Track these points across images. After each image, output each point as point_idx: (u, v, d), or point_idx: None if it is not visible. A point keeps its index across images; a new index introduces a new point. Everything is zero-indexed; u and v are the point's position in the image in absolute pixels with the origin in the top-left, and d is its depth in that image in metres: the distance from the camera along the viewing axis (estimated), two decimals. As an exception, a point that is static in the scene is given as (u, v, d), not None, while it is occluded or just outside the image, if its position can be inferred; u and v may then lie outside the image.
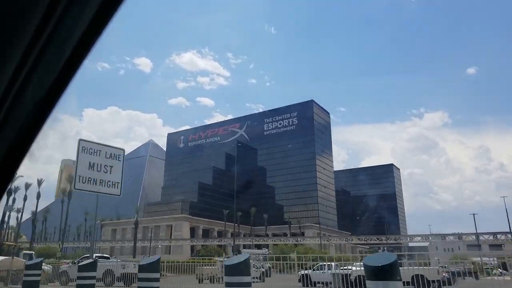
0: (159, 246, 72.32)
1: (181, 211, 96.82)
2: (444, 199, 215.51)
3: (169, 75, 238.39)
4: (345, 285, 14.10)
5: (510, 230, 57.67)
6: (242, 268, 7.19)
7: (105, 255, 23.14)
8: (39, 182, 70.36)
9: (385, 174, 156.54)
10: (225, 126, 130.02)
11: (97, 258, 20.09)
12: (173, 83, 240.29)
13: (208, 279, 22.30)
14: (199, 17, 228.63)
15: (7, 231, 74.40)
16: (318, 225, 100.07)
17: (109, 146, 7.20)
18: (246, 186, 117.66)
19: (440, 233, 78.08)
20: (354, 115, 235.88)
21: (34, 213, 71.64)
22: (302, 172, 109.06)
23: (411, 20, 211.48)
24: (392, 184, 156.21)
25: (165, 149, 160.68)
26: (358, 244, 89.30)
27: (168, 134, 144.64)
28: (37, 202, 70.27)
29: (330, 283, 15.51)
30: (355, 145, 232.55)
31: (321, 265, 18.72)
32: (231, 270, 7.20)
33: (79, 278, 10.62)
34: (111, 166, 7.39)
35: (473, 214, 57.26)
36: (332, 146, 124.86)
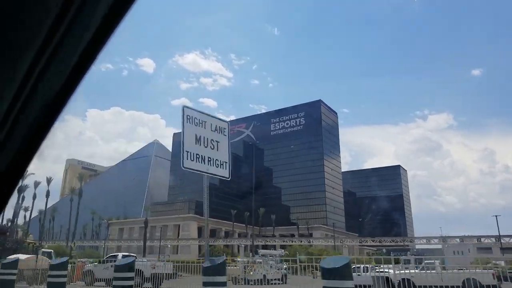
0: (168, 246, 71.69)
1: (188, 211, 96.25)
2: (448, 201, 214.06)
3: (172, 75, 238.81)
4: None
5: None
6: (219, 269, 7.90)
7: (131, 254, 22.45)
8: (48, 181, 70.14)
9: (392, 176, 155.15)
10: (231, 126, 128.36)
11: (134, 258, 19.40)
12: (176, 83, 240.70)
13: (230, 280, 21.62)
14: (202, 18, 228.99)
15: (15, 230, 74.01)
16: (326, 226, 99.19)
17: (213, 117, 6.09)
18: (252, 186, 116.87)
19: (446, 235, 76.29)
20: (357, 116, 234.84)
21: (44, 212, 71.35)
22: (309, 173, 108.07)
23: (415, 20, 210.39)
24: (399, 186, 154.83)
25: (169, 149, 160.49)
26: (365, 246, 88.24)
27: (174, 133, 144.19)
28: (47, 200, 70.12)
29: (369, 286, 14.70)
30: (358, 146, 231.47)
31: (356, 267, 17.94)
32: (209, 270, 7.83)
33: (116, 279, 9.91)
34: (218, 142, 6.31)
35: (496, 216, 55.74)
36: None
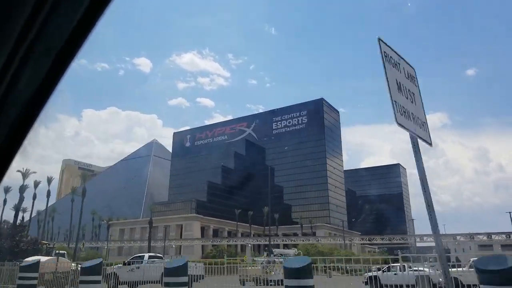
0: (173, 246, 70.53)
1: (191, 211, 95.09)
2: (443, 200, 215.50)
3: (169, 75, 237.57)
4: None
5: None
6: (180, 270, 8.20)
7: (158, 254, 21.37)
8: (49, 180, 68.69)
9: (391, 174, 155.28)
10: (233, 125, 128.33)
11: (187, 260, 18.33)
12: (173, 83, 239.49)
13: (252, 280, 20.77)
14: (199, 17, 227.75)
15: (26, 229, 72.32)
16: (329, 225, 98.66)
17: (401, 57, 4.35)
18: (254, 185, 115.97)
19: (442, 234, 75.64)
20: (353, 115, 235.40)
21: (45, 212, 69.72)
22: (312, 172, 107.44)
23: (410, 21, 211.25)
24: (399, 184, 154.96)
25: (167, 149, 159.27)
26: (367, 244, 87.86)
27: (174, 133, 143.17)
28: (47, 200, 68.56)
29: (407, 286, 13.85)
30: (354, 146, 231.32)
31: (390, 266, 17.08)
32: (171, 271, 8.04)
33: (167, 284, 8.92)
34: (413, 93, 4.71)
35: (510, 213, 55.35)
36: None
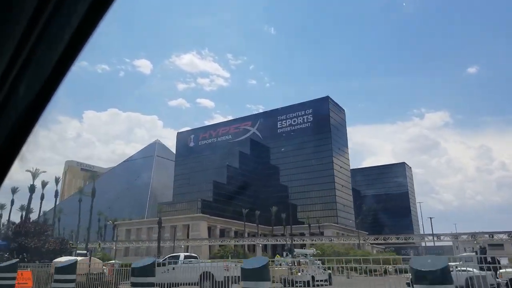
0: (182, 246, 69.70)
1: (197, 211, 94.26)
2: (445, 199, 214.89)
3: (169, 76, 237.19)
4: None
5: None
6: (148, 270, 8.28)
7: (193, 254, 20.49)
8: (57, 181, 67.98)
9: (397, 173, 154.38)
10: (237, 124, 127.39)
11: (195, 257, 17.48)
12: (173, 84, 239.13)
13: (280, 281, 19.98)
14: (198, 18, 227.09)
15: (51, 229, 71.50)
16: (337, 225, 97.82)
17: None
18: (259, 185, 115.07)
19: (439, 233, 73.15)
20: (354, 116, 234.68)
21: (54, 212, 68.89)
22: (318, 171, 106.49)
23: (411, 19, 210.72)
24: (405, 183, 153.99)
25: (170, 150, 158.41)
26: (374, 243, 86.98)
27: (177, 133, 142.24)
28: (55, 200, 67.81)
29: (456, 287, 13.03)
30: (356, 145, 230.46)
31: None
32: (139, 271, 8.18)
33: (134, 285, 8.14)
34: None
35: None
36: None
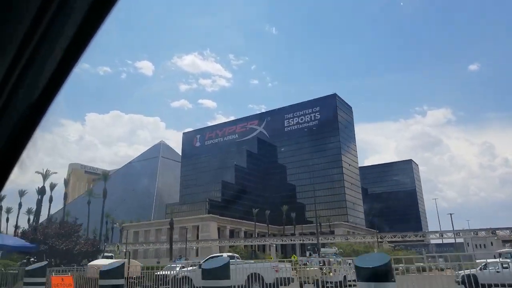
0: (194, 248, 68.59)
1: (206, 211, 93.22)
2: (449, 196, 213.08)
3: (171, 77, 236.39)
4: None
5: None
6: (222, 271, 8.00)
7: (234, 254, 19.37)
8: (66, 182, 67.03)
9: (403, 171, 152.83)
10: (243, 123, 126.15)
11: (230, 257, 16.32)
12: (175, 85, 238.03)
13: (313, 282, 18.80)
14: (200, 19, 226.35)
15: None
16: (347, 223, 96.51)
17: None
18: (266, 184, 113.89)
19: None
20: (356, 114, 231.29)
21: (63, 213, 67.96)
22: (327, 169, 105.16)
23: (412, 17, 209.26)
24: (412, 180, 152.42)
25: (175, 150, 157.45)
26: (382, 242, 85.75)
27: (183, 133, 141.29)
28: (64, 203, 66.83)
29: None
30: (358, 143, 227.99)
31: (487, 263, 15.06)
32: (211, 273, 8.03)
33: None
34: None
35: None
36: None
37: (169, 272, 14.94)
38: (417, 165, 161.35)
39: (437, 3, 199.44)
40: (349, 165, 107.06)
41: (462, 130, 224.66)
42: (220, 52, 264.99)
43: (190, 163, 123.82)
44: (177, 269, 16.18)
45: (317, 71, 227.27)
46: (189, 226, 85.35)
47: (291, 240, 70.71)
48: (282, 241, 71.40)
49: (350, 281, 20.08)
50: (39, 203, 57.50)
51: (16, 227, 68.35)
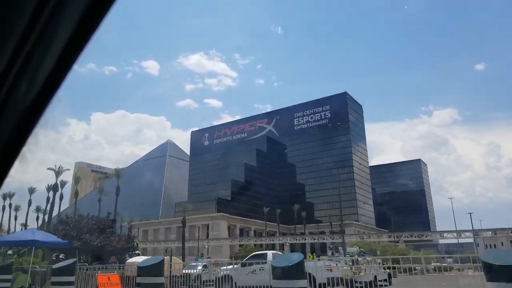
0: (206, 247, 68.05)
1: (215, 210, 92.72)
2: (455, 196, 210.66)
3: (176, 77, 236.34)
4: None
5: None
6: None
7: (279, 252, 18.65)
8: (77, 180, 66.90)
9: (412, 170, 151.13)
10: (252, 122, 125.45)
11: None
12: (181, 85, 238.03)
13: (342, 283, 17.99)
14: (205, 18, 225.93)
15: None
16: (358, 223, 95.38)
17: None
18: (276, 183, 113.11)
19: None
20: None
21: (74, 211, 67.67)
22: (337, 168, 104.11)
23: (417, 17, 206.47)
24: (421, 180, 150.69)
25: (182, 149, 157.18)
26: (392, 241, 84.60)
27: (191, 132, 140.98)
28: (75, 200, 66.64)
29: None
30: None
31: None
32: (145, 271, 8.63)
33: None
34: None
35: None
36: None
37: (191, 271, 14.25)
38: (426, 164, 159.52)
39: (442, 2, 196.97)
40: (359, 164, 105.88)
41: (468, 130, 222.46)
42: (226, 52, 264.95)
43: (199, 162, 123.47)
44: (199, 267, 15.49)
45: (322, 70, 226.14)
46: (199, 225, 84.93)
47: (305, 239, 69.78)
48: (296, 240, 70.49)
49: (381, 280, 19.24)
50: (50, 200, 57.40)
51: (25, 225, 68.45)
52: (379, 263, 21.29)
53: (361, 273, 18.69)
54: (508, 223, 54.32)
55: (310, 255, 46.52)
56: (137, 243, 25.37)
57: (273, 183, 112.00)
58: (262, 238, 76.97)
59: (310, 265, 12.32)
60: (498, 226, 57.68)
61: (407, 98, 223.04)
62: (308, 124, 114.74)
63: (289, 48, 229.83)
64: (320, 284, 11.50)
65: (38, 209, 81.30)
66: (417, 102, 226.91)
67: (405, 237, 61.25)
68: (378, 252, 36.27)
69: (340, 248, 31.34)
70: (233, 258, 20.09)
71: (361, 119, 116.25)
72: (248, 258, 15.07)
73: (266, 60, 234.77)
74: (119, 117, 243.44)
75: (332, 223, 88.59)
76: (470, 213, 52.86)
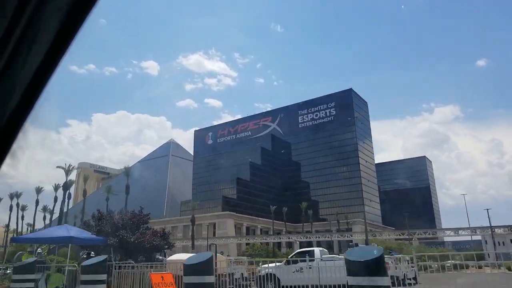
0: (215, 245, 67.37)
1: (220, 208, 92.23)
2: (456, 194, 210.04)
3: (176, 77, 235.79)
4: None
5: None
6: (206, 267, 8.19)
7: (325, 249, 18.02)
8: (86, 179, 66.45)
9: (417, 167, 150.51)
10: (256, 120, 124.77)
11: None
12: (181, 85, 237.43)
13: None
14: (204, 18, 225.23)
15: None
16: (365, 220, 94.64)
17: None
18: (280, 181, 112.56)
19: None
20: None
21: (82, 210, 67.34)
22: (343, 166, 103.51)
23: (418, 13, 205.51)
24: (426, 177, 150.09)
25: (185, 149, 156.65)
26: (400, 239, 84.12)
27: (195, 131, 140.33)
28: (84, 199, 66.19)
29: None
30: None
31: None
32: (193, 269, 8.33)
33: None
34: None
35: None
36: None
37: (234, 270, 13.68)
38: (431, 162, 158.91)
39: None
40: (366, 161, 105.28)
41: (470, 127, 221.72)
42: (225, 51, 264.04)
43: (203, 161, 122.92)
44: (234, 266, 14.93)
45: (321, 69, 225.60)
46: (205, 223, 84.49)
47: (317, 237, 69.21)
48: (307, 238, 69.97)
49: (409, 279, 18.66)
50: (57, 199, 56.83)
51: (34, 225, 68.04)
52: (407, 261, 20.73)
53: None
54: (510, 221, 53.59)
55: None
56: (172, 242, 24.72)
57: (278, 181, 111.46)
58: (272, 236, 76.28)
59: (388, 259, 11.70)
60: (499, 223, 57.12)
61: (408, 95, 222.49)
62: (313, 121, 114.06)
63: (289, 47, 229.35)
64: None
65: (45, 209, 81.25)
66: (418, 100, 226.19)
67: (418, 235, 60.49)
68: (392, 250, 35.65)
69: (359, 245, 30.78)
70: (271, 255, 19.38)
71: (366, 116, 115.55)
72: (293, 255, 14.50)
73: (266, 59, 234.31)
74: (120, 117, 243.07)
75: (340, 221, 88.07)
76: (487, 209, 52.25)
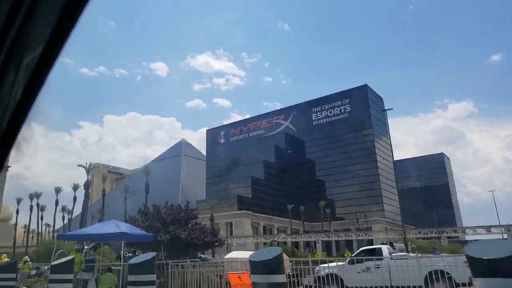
0: (234, 244, 66.56)
1: (236, 208, 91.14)
2: (473, 191, 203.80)
3: (185, 78, 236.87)
4: None
5: None
6: (276, 264, 7.35)
7: (391, 247, 16.69)
8: (103, 178, 66.37)
9: (435, 164, 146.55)
10: (269, 118, 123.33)
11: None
12: (190, 85, 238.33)
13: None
14: (211, 18, 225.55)
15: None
16: (385, 219, 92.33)
17: None
18: (295, 180, 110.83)
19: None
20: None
21: (102, 210, 67.20)
22: (360, 163, 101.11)
23: (431, 9, 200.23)
24: (444, 174, 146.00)
25: (197, 148, 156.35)
26: (421, 237, 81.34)
27: (207, 130, 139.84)
28: (103, 199, 66.19)
29: None
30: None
31: None
32: (261, 268, 7.41)
33: None
34: None
35: None
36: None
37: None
38: (449, 158, 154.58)
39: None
40: (383, 158, 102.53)
41: (485, 123, 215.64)
42: (233, 51, 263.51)
43: (215, 160, 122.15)
44: None
45: (330, 66, 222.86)
46: (222, 223, 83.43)
47: (339, 237, 67.38)
48: (328, 237, 68.19)
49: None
50: (75, 198, 56.67)
51: (54, 225, 68.27)
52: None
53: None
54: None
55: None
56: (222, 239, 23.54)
57: (292, 180, 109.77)
58: (292, 235, 74.61)
59: (445, 261, 10.20)
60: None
61: (419, 93, 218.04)
62: (327, 119, 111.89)
63: (296, 45, 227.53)
64: (459, 285, 9.36)
65: (64, 209, 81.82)
66: (430, 97, 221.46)
67: (447, 233, 58.10)
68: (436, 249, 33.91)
69: (396, 244, 29.29)
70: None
71: (383, 112, 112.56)
72: (357, 253, 13.08)
73: (273, 57, 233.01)
74: (130, 118, 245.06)
75: (362, 220, 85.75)
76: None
